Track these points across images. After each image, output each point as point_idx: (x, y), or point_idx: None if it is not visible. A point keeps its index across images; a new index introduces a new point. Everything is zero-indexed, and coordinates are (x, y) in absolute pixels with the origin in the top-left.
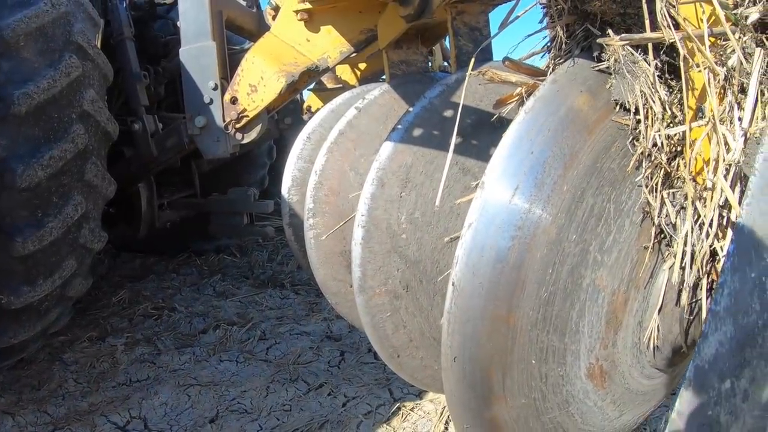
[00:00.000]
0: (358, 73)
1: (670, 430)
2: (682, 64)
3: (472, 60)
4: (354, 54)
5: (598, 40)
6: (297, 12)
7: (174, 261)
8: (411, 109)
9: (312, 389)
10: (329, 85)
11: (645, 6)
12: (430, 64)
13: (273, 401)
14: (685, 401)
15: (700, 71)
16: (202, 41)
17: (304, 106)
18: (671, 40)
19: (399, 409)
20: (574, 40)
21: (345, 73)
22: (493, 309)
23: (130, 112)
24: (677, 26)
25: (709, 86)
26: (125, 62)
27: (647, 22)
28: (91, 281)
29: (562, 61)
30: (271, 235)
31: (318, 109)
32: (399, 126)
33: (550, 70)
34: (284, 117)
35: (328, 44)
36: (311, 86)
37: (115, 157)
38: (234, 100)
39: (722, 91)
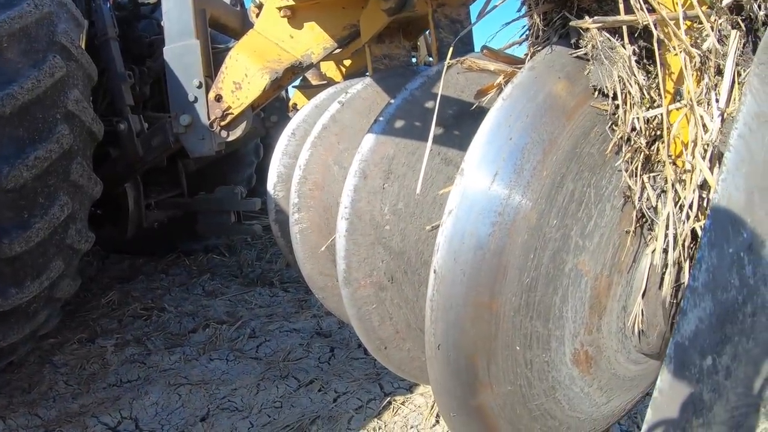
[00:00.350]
0: (343, 69)
1: (652, 409)
2: (656, 47)
3: (450, 49)
4: (337, 50)
5: (572, 23)
6: (280, 9)
7: (163, 261)
8: (392, 101)
9: (302, 386)
10: (314, 82)
11: None
12: (415, 59)
13: (264, 398)
14: (667, 379)
15: (676, 55)
16: (185, 40)
17: (290, 103)
18: (645, 23)
19: (390, 403)
20: (551, 28)
21: (330, 69)
22: (476, 295)
23: (116, 112)
24: (652, 10)
25: (686, 69)
26: (110, 62)
27: (621, 7)
28: (79, 282)
29: (540, 48)
30: (258, 233)
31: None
32: (381, 118)
33: (529, 57)
34: (270, 115)
35: (312, 40)
36: (296, 83)
37: (101, 158)
38: (219, 98)
39: (699, 73)
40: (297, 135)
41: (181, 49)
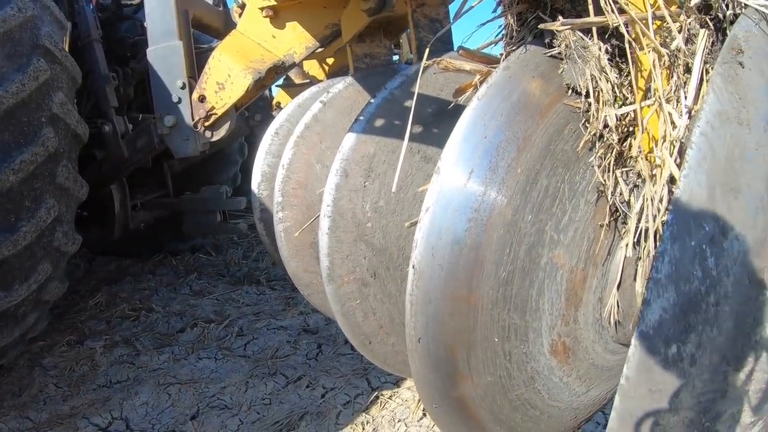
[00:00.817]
0: (326, 67)
1: (620, 396)
2: (627, 47)
3: (427, 50)
4: (320, 49)
5: (540, 26)
6: (262, 9)
7: (150, 262)
8: (372, 100)
9: (291, 382)
10: (297, 81)
11: None
12: (397, 57)
13: (252, 396)
14: (633, 367)
15: (646, 53)
16: (168, 41)
17: (274, 102)
18: (615, 24)
19: (377, 397)
20: (526, 28)
21: (313, 68)
22: (454, 289)
23: (100, 114)
24: (622, 11)
25: (654, 68)
26: (93, 64)
27: (591, 9)
28: (66, 284)
29: (515, 48)
30: (244, 232)
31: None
32: (361, 117)
33: (504, 57)
34: (254, 114)
35: (294, 40)
36: (279, 82)
37: (86, 160)
38: (202, 99)
39: (668, 71)
40: (280, 134)
41: (164, 50)
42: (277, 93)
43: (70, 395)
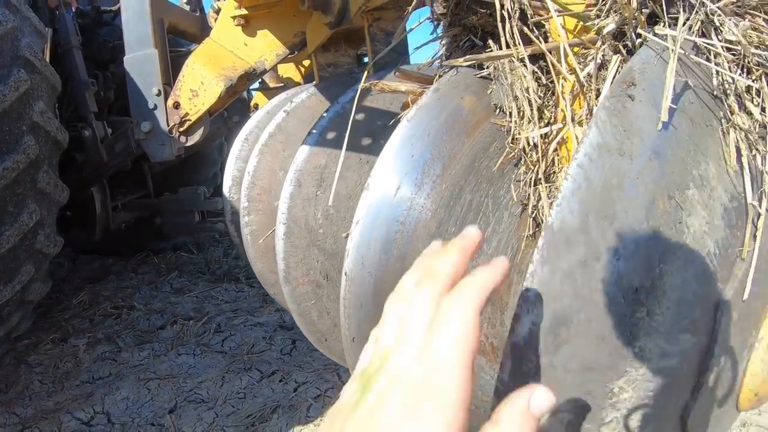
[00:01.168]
0: (303, 69)
1: (495, 397)
2: (548, 72)
3: (365, 73)
4: (289, 56)
5: (444, 63)
6: (234, 18)
7: (133, 261)
8: (325, 114)
9: (265, 377)
10: (271, 85)
11: (500, 26)
12: (366, 59)
13: (228, 390)
14: (506, 372)
15: (562, 78)
16: (144, 49)
17: (252, 104)
18: (522, 57)
19: None
20: (459, 50)
21: (289, 71)
22: (383, 295)
23: (80, 119)
24: (542, 40)
25: (562, 95)
26: (73, 71)
27: (503, 40)
28: (49, 284)
29: (447, 70)
30: (222, 231)
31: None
32: (314, 130)
33: (436, 78)
34: (233, 115)
35: (265, 47)
36: (256, 85)
37: (67, 163)
38: (177, 105)
39: (581, 96)
40: (250, 140)
41: (140, 58)
42: (255, 95)
43: (54, 391)
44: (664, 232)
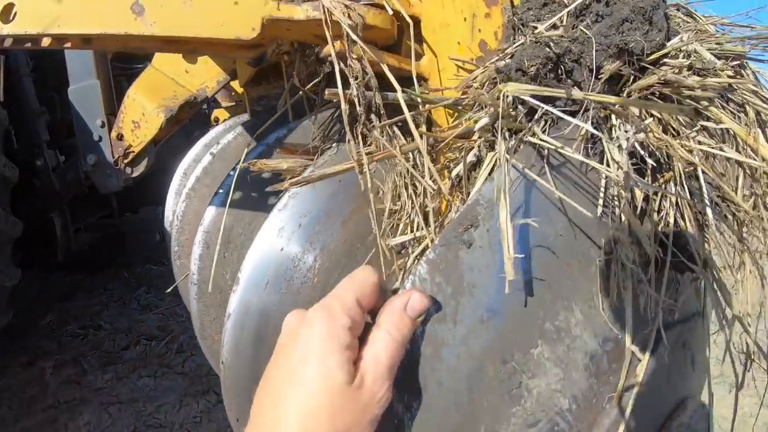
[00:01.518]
0: None
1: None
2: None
3: (243, 155)
4: (230, 82)
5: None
6: None
7: (102, 276)
8: (231, 172)
9: (221, 401)
10: (224, 104)
11: (349, 130)
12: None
13: (185, 414)
14: None
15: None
16: (87, 80)
17: (212, 117)
18: (396, 157)
19: None
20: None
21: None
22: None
23: (33, 147)
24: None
25: (428, 197)
26: (23, 99)
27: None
28: (10, 315)
29: (328, 147)
30: None
31: (224, 120)
32: (221, 190)
33: (317, 155)
34: (194, 130)
35: (206, 74)
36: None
37: (25, 188)
38: (120, 137)
39: (451, 197)
40: (188, 175)
41: (83, 89)
42: (215, 109)
43: (21, 416)
44: (492, 401)
